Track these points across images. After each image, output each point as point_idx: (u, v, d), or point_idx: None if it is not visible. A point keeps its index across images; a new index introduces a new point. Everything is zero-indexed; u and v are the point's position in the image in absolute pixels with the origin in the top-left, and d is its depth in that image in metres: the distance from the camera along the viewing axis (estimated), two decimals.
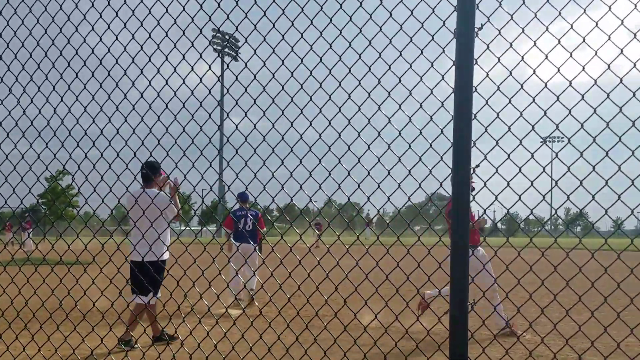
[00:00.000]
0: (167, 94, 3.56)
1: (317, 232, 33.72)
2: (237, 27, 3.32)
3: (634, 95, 2.90)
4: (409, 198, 3.24)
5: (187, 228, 3.87)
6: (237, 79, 3.41)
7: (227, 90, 3.42)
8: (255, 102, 3.33)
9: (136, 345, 6.94)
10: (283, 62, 3.25)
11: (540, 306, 3.22)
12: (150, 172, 6.93)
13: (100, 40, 3.69)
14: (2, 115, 4.05)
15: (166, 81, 3.50)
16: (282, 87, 3.26)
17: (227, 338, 3.65)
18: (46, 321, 4.11)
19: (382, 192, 3.26)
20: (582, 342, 3.81)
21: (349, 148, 3.23)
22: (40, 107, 3.86)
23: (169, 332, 7.26)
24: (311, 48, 3.19)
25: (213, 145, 3.49)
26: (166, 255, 6.95)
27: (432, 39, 3.00)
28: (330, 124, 3.23)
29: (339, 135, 3.22)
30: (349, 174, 3.18)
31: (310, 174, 3.24)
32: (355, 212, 3.59)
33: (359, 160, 3.21)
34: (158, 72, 3.55)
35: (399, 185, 3.18)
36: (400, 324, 3.40)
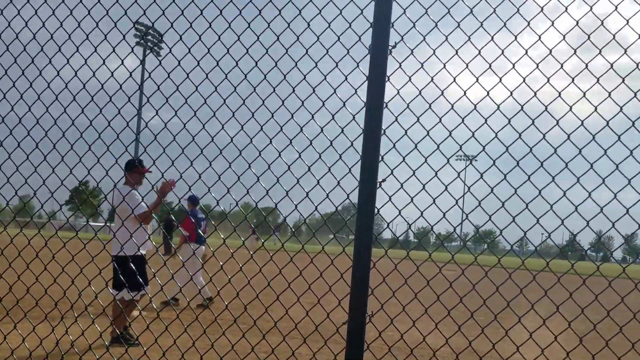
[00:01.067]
0: (93, 87, 3.46)
1: (254, 235, 33.33)
2: (153, 24, 3.25)
3: (533, 123, 3.05)
4: (316, 207, 3.26)
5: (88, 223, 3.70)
6: (150, 76, 3.34)
7: (141, 89, 3.34)
8: (167, 100, 3.27)
9: (136, 342, 6.57)
10: (198, 63, 3.21)
11: (435, 321, 3.31)
12: (124, 169, 6.77)
13: (26, 25, 3.55)
14: None
15: (94, 73, 3.41)
16: (196, 88, 3.21)
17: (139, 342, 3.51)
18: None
19: (290, 200, 3.27)
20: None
21: (259, 154, 3.22)
22: None
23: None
24: (227, 52, 3.17)
25: (138, 142, 3.40)
26: (132, 251, 6.57)
27: (348, 52, 3.05)
28: (242, 128, 3.21)
29: (251, 140, 3.21)
30: (258, 179, 3.17)
31: (219, 177, 3.20)
32: (264, 217, 3.57)
33: (269, 167, 3.20)
34: (86, 62, 3.44)
35: (307, 195, 3.20)
36: (299, 332, 3.41)
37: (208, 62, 3.20)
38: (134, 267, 6.18)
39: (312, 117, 3.13)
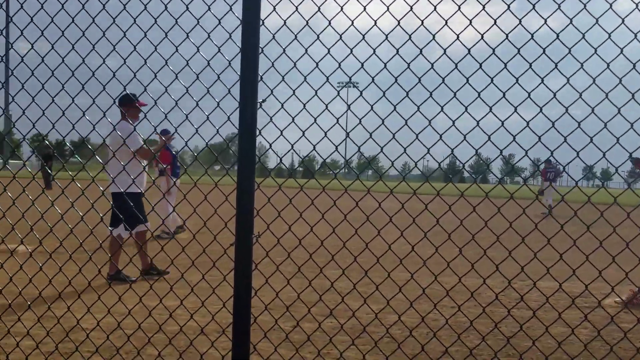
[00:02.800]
0: None
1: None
2: None
3: (410, 38, 3.19)
4: (197, 130, 3.31)
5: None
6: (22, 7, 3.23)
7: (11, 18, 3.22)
8: (42, 33, 3.17)
9: (133, 278, 7.25)
10: None
11: (309, 252, 3.50)
12: (119, 104, 6.89)
13: None
14: None
15: None
16: (62, 5, 3.13)
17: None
18: None
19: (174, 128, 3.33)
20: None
21: (134, 75, 3.21)
22: None
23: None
24: None
25: None
26: (133, 188, 6.84)
27: None
28: (122, 58, 3.19)
29: (130, 70, 3.19)
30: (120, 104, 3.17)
31: (94, 101, 3.18)
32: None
33: (145, 89, 3.21)
34: None
35: (187, 117, 3.24)
36: (189, 257, 3.51)
37: None
38: (131, 204, 6.39)
39: (187, 36, 3.13)
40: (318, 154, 3.45)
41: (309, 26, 3.13)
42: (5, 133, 3.88)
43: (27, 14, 3.31)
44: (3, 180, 3.42)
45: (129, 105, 7.02)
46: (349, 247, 3.42)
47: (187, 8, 3.11)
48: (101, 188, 3.52)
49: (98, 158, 3.43)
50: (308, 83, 3.18)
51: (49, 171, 24.63)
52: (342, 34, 3.10)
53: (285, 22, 3.12)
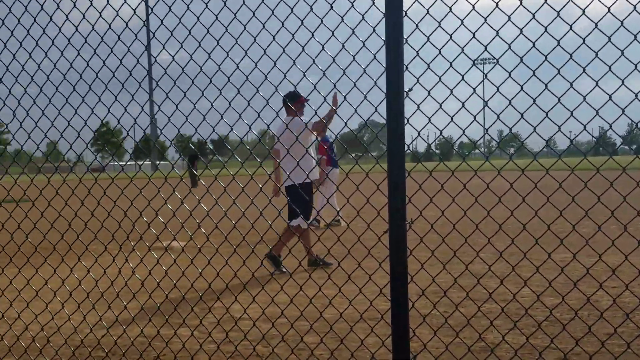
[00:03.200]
0: (87, 25, 3.70)
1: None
2: None
3: (558, 14, 3.13)
4: (346, 123, 3.44)
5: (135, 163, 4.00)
6: (170, 10, 3.53)
7: (172, 31, 3.51)
8: (200, 43, 3.45)
9: (284, 270, 7.50)
10: None
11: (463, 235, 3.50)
12: (283, 102, 7.03)
13: None
14: None
15: (100, 14, 3.60)
16: (216, 17, 3.37)
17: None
18: None
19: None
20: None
21: (285, 76, 3.39)
22: None
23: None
24: None
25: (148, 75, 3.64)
26: (306, 179, 7.33)
27: None
28: (265, 52, 3.39)
29: (275, 64, 3.38)
30: (285, 102, 3.37)
31: (249, 103, 3.42)
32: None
33: (295, 88, 3.39)
34: (91, 4, 3.63)
35: (335, 111, 3.39)
36: (345, 246, 3.66)
37: None
38: (305, 195, 6.83)
39: (333, 33, 3.27)
40: (467, 137, 3.46)
41: (452, 12, 3.15)
42: (154, 138, 4.24)
43: (183, 24, 3.59)
44: (157, 182, 3.74)
45: (293, 102, 7.06)
46: (503, 229, 3.40)
47: (332, 7, 3.25)
48: (260, 185, 3.76)
49: (254, 156, 3.66)
50: (454, 69, 3.21)
51: (195, 171, 26.22)
52: (487, 16, 3.10)
53: (428, 11, 3.17)
